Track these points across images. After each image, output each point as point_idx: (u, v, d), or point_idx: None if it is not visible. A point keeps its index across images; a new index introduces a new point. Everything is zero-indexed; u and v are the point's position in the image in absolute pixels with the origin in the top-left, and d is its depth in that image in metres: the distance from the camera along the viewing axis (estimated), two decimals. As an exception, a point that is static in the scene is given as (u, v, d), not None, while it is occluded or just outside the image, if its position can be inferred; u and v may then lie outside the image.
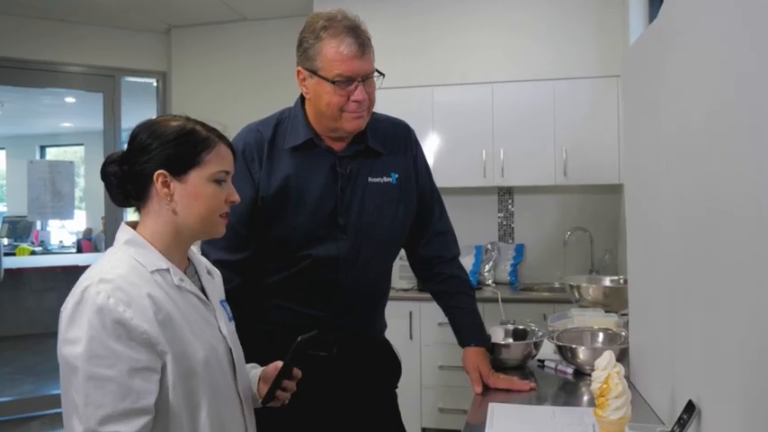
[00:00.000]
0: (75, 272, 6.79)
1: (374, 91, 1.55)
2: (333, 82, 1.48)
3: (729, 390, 0.89)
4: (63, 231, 9.09)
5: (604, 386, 0.99)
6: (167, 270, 1.12)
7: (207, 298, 1.20)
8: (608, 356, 1.05)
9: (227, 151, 1.18)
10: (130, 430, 0.99)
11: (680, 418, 1.03)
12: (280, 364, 1.27)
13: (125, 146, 1.17)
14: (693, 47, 1.08)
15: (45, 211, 4.65)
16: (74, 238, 8.79)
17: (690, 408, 1.02)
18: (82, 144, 9.18)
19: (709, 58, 0.98)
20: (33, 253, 7.85)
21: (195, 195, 1.13)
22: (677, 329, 1.19)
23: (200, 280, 1.22)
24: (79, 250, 8.22)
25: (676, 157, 1.20)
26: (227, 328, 1.22)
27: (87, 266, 1.13)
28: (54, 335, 1.07)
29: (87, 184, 8.49)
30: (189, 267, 1.21)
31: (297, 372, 1.27)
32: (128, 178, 1.15)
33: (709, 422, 0.98)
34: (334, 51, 1.47)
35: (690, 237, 1.11)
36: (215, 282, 1.28)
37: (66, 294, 1.08)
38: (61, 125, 8.81)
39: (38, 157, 9.32)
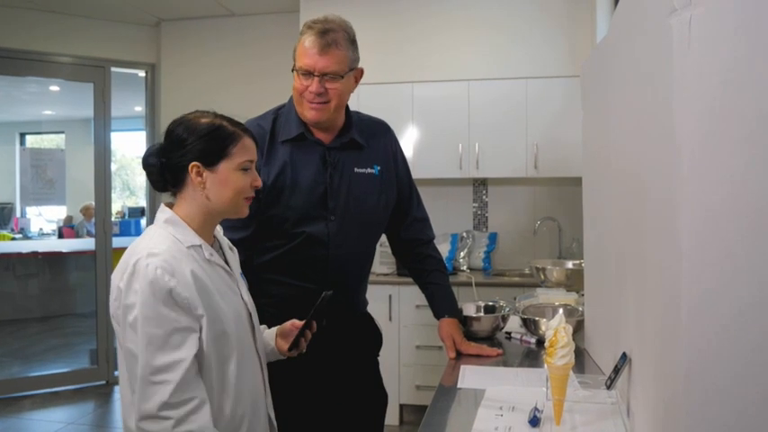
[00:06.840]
0: (57, 258, 6.87)
1: (337, 90, 1.74)
2: (296, 71, 1.75)
3: (649, 342, 1.13)
4: (40, 219, 9.05)
5: (553, 338, 1.22)
6: (200, 246, 1.31)
7: (231, 270, 1.39)
8: (559, 317, 1.28)
9: (251, 142, 1.36)
10: (174, 378, 1.19)
11: (615, 366, 1.26)
12: (296, 321, 1.50)
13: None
14: (628, 62, 1.31)
15: (37, 197, 4.75)
16: (53, 226, 8.79)
17: (623, 357, 1.25)
18: (62, 132, 9.17)
19: (636, 74, 1.21)
20: (14, 239, 7.86)
21: (224, 183, 1.31)
22: (619, 302, 1.42)
23: (223, 255, 1.42)
24: (60, 237, 8.23)
25: (617, 157, 1.43)
26: (247, 295, 1.43)
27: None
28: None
29: (67, 171, 8.46)
30: (215, 243, 1.40)
31: (314, 325, 1.49)
32: (166, 168, 1.32)
33: (635, 366, 1.22)
34: (301, 46, 1.74)
35: (626, 226, 1.34)
36: (235, 257, 1.47)
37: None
38: (43, 113, 8.76)
39: (17, 144, 9.29)
